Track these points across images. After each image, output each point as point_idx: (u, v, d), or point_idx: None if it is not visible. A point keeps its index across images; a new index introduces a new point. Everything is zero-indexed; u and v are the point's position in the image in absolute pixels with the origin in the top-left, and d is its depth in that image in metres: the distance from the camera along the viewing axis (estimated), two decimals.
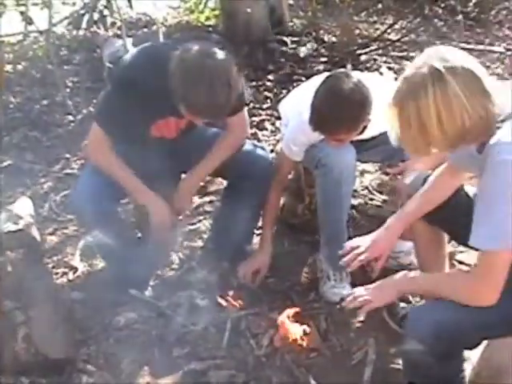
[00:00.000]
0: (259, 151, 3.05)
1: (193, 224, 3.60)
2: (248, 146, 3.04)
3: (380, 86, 2.80)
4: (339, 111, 2.64)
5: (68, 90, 5.29)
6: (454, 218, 2.40)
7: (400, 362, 2.49)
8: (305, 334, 2.61)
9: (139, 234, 3.28)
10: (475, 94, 1.88)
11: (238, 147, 2.98)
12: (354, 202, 3.58)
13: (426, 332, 2.01)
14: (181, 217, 3.37)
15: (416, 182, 2.53)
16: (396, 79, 2.09)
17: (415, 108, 1.89)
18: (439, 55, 1.91)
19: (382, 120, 2.73)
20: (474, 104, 1.87)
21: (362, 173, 3.93)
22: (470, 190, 2.39)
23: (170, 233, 2.90)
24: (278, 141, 4.32)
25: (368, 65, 5.77)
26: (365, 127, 2.79)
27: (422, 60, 1.92)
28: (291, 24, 6.58)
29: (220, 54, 2.53)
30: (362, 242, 2.47)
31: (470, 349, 2.18)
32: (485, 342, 2.38)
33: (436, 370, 2.09)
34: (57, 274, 3.21)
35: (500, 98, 1.93)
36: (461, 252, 3.06)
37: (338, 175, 2.82)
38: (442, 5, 7.20)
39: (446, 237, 2.65)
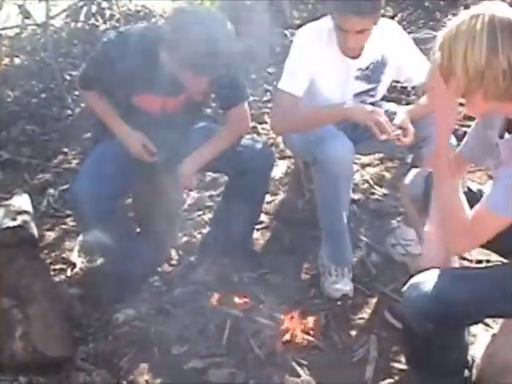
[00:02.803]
0: (259, 146, 3.04)
1: (192, 219, 3.57)
2: (248, 140, 3.03)
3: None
4: None
5: (66, 83, 5.25)
6: None
7: (403, 359, 2.48)
8: (306, 329, 2.64)
9: (138, 230, 3.26)
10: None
11: (237, 138, 2.97)
12: (355, 196, 3.55)
13: (424, 295, 2.00)
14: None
15: (416, 182, 2.50)
16: None
17: (464, 47, 1.81)
18: (496, 9, 1.83)
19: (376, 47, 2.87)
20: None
21: (363, 166, 3.90)
22: (472, 185, 2.37)
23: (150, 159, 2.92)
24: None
25: None
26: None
27: (481, 10, 1.84)
28: (291, 16, 6.52)
29: (216, 14, 2.73)
30: None
31: (472, 324, 2.18)
32: (488, 338, 2.38)
33: (439, 353, 2.10)
34: (55, 270, 3.18)
35: None
36: None
37: (335, 171, 2.77)
38: None
39: None
